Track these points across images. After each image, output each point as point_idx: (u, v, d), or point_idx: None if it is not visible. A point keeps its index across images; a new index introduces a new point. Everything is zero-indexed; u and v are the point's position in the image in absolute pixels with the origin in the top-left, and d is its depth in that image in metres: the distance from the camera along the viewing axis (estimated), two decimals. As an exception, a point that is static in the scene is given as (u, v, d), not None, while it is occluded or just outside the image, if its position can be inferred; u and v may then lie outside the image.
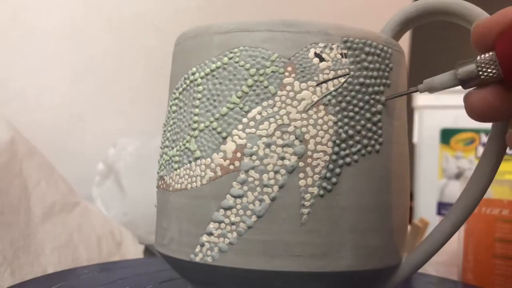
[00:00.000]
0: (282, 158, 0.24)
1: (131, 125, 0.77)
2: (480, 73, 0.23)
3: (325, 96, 0.25)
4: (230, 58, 0.26)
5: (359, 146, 0.25)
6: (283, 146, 0.24)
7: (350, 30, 0.26)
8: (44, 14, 0.70)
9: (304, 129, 0.25)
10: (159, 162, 0.29)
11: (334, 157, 0.25)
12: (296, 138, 0.24)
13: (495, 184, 0.44)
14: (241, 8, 0.88)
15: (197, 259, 0.25)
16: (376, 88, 0.26)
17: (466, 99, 0.24)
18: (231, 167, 0.25)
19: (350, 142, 0.25)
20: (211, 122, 0.26)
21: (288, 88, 0.25)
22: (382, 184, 0.26)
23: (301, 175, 0.24)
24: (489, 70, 0.23)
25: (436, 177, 0.76)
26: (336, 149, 0.25)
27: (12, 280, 0.39)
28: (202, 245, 0.25)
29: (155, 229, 0.29)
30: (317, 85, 0.25)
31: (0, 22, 0.67)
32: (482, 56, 0.23)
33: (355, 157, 0.25)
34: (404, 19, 0.29)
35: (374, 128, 0.26)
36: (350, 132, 0.25)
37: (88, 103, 0.74)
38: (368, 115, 0.26)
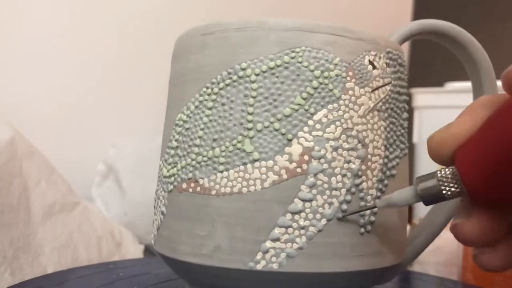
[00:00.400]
0: (348, 162, 0.25)
1: (131, 125, 0.77)
2: (443, 189, 0.21)
3: (378, 102, 0.26)
4: (292, 58, 0.25)
5: (399, 151, 0.27)
6: (348, 149, 0.25)
7: (390, 42, 0.28)
8: (44, 14, 0.70)
9: (364, 134, 0.26)
10: (175, 164, 0.27)
11: (385, 160, 0.26)
12: (359, 142, 0.25)
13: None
14: (242, 8, 0.88)
15: (259, 267, 0.24)
16: (404, 97, 0.28)
17: (456, 230, 0.22)
18: (299, 170, 0.24)
19: (394, 147, 0.27)
20: (272, 122, 0.25)
21: (350, 92, 0.25)
22: (406, 185, 0.28)
23: (363, 178, 0.25)
24: (451, 185, 0.21)
25: (436, 177, 0.75)
26: (387, 153, 0.26)
27: (12, 280, 0.39)
28: (266, 251, 0.24)
29: (172, 237, 0.26)
30: (372, 91, 0.26)
31: (1, 22, 0.67)
32: (442, 171, 0.22)
33: (397, 160, 0.27)
34: (408, 34, 0.30)
35: (404, 133, 0.28)
36: (394, 137, 0.27)
37: (88, 103, 0.74)
38: (401, 121, 0.28)
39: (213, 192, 0.25)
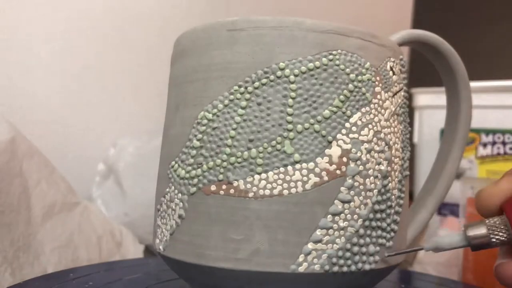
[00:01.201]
0: (379, 163, 0.26)
1: (131, 125, 0.77)
2: (492, 237, 0.24)
3: (396, 107, 0.28)
4: (330, 60, 0.25)
5: (408, 152, 0.29)
6: (379, 152, 0.26)
7: (401, 49, 0.29)
8: (44, 14, 0.70)
9: (389, 136, 0.27)
10: (200, 164, 0.25)
11: (402, 161, 0.28)
12: (386, 145, 0.26)
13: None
14: (245, 7, 0.88)
15: (301, 269, 0.24)
16: (407, 102, 0.29)
17: (499, 269, 0.25)
18: (338, 172, 0.24)
19: (405, 149, 0.28)
20: (312, 124, 0.24)
21: (379, 96, 0.26)
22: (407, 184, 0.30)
23: (389, 179, 0.26)
24: (500, 234, 0.24)
25: (436, 177, 0.76)
26: (403, 154, 0.28)
27: (12, 280, 0.39)
28: (308, 253, 0.24)
29: (197, 242, 0.25)
30: (393, 96, 0.27)
31: (1, 22, 0.67)
32: (491, 220, 0.24)
33: (408, 162, 0.28)
34: (401, 42, 0.31)
35: (408, 136, 0.29)
36: (406, 139, 0.28)
37: (88, 103, 0.74)
38: (407, 125, 0.29)
39: (251, 195, 0.24)
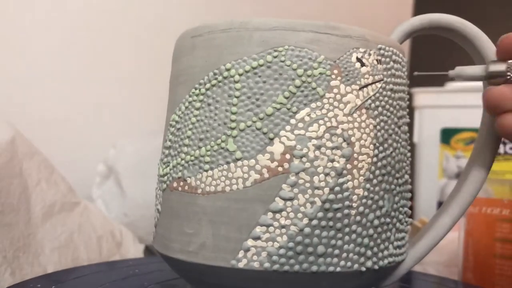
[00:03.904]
0: (332, 161, 0.25)
1: (131, 126, 0.77)
2: (508, 73, 0.27)
3: (366, 100, 0.26)
4: (275, 57, 0.25)
5: (391, 149, 0.27)
6: (332, 148, 0.25)
7: (383, 38, 0.27)
8: (45, 14, 0.70)
9: (350, 132, 0.25)
10: (168, 163, 0.27)
11: (374, 159, 0.26)
12: (344, 141, 0.25)
13: (495, 184, 0.44)
14: (244, 7, 0.88)
15: (241, 265, 0.24)
16: (399, 95, 0.28)
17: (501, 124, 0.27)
18: (280, 169, 0.24)
19: (385, 145, 0.26)
20: (254, 122, 0.25)
21: (335, 90, 0.25)
22: (405, 185, 0.28)
23: (349, 177, 0.25)
24: None
25: (437, 177, 0.76)
26: (376, 151, 0.26)
27: (12, 280, 0.39)
28: (247, 250, 0.24)
29: (166, 235, 0.27)
30: (360, 89, 0.26)
31: (1, 22, 0.67)
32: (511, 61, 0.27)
33: (389, 159, 0.26)
34: (410, 31, 0.30)
35: (399, 131, 0.27)
36: (385, 135, 0.26)
37: (88, 103, 0.74)
38: (395, 119, 0.27)
39: (199, 191, 0.25)
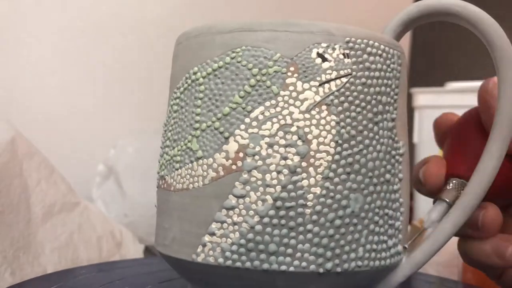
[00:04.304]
0: (285, 158, 0.24)
1: (131, 126, 0.77)
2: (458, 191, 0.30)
3: (328, 96, 0.25)
4: (232, 58, 0.25)
5: (361, 146, 0.25)
6: (285, 146, 0.24)
7: (352, 30, 0.26)
8: (45, 14, 0.70)
9: (306, 129, 0.24)
10: (159, 162, 0.29)
11: (336, 157, 0.25)
12: (299, 138, 0.24)
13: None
14: (242, 8, 0.88)
15: (199, 259, 0.25)
16: (377, 89, 0.26)
17: (484, 218, 0.29)
18: (234, 167, 0.25)
19: (352, 142, 0.25)
20: (213, 122, 0.25)
21: (291, 88, 0.25)
22: (385, 185, 0.26)
23: (304, 175, 0.24)
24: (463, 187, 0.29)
25: (436, 177, 0.76)
26: (339, 149, 0.25)
27: (12, 280, 0.39)
28: (204, 245, 0.25)
29: (156, 230, 0.29)
30: (320, 85, 0.25)
31: (2, 22, 0.67)
32: (449, 185, 0.30)
33: (357, 157, 0.25)
34: (407, 19, 0.29)
35: (375, 128, 0.26)
36: (352, 132, 0.25)
37: (88, 103, 0.74)
38: (370, 115, 0.26)
39: (172, 188, 0.27)
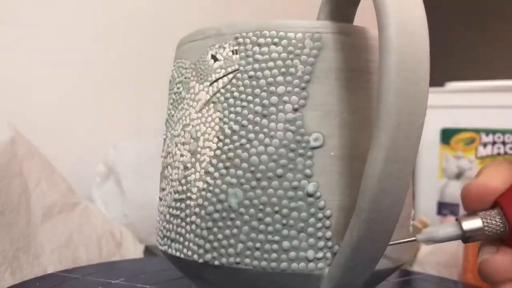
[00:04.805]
0: (182, 155, 0.27)
1: (131, 126, 0.77)
2: (487, 229, 0.24)
3: (215, 94, 0.26)
4: (172, 71, 0.30)
5: (243, 141, 0.24)
6: (183, 144, 0.27)
7: (243, 25, 0.25)
8: (45, 14, 0.70)
9: (197, 128, 0.26)
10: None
11: (217, 152, 0.25)
12: (191, 137, 0.27)
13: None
14: (242, 9, 0.88)
15: (157, 245, 0.30)
16: (270, 80, 0.24)
17: (484, 264, 0.24)
18: (164, 164, 0.29)
19: (234, 137, 0.25)
20: (165, 126, 0.30)
21: (192, 91, 0.27)
22: (274, 180, 0.24)
23: (192, 170, 0.26)
24: (496, 227, 0.23)
25: (436, 177, 0.76)
26: (220, 144, 0.25)
27: (12, 280, 0.39)
28: (157, 232, 0.30)
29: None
30: (210, 84, 0.26)
31: (2, 22, 0.67)
32: (486, 212, 0.24)
33: (238, 151, 0.24)
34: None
35: (264, 121, 0.24)
36: (235, 127, 0.25)
37: (88, 104, 0.74)
38: (257, 108, 0.24)
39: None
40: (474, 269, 0.43)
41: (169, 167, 0.28)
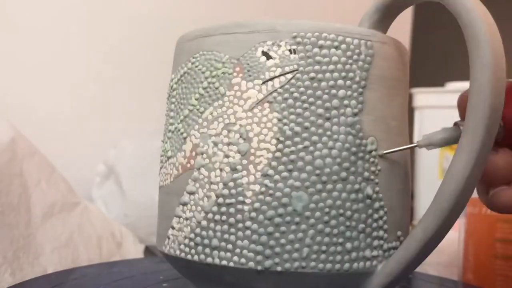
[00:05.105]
0: (227, 156, 0.25)
1: (131, 126, 0.77)
2: None
3: (271, 93, 0.25)
4: (192, 63, 0.27)
5: (306, 143, 0.24)
6: (228, 144, 0.25)
7: (300, 25, 0.25)
8: (45, 14, 0.70)
9: (248, 127, 0.25)
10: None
11: (277, 154, 0.24)
12: (240, 137, 0.25)
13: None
14: (242, 9, 0.88)
15: (166, 250, 0.27)
16: (331, 83, 0.25)
17: (495, 199, 0.25)
18: (188, 165, 0.26)
19: (296, 139, 0.24)
20: (178, 124, 0.27)
21: (236, 88, 0.25)
22: (338, 183, 0.25)
23: (244, 172, 0.24)
24: None
25: (436, 177, 0.76)
26: (280, 146, 0.24)
27: (12, 280, 0.39)
28: (169, 237, 0.27)
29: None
30: (263, 83, 0.25)
31: (1, 21, 0.67)
32: None
33: (301, 154, 0.24)
34: (381, 6, 0.29)
35: (327, 124, 0.25)
36: (297, 129, 0.24)
37: (88, 103, 0.74)
38: (320, 110, 0.25)
39: (158, 186, 0.29)
40: (474, 269, 0.43)
41: (202, 168, 0.25)
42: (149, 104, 0.76)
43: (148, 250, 0.60)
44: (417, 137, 0.80)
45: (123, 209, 0.63)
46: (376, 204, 0.25)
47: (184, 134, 0.26)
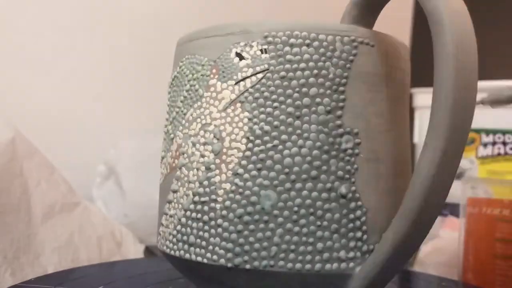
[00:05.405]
0: (203, 156, 0.26)
1: (131, 126, 0.77)
2: None
3: (242, 93, 0.25)
4: (180, 67, 0.28)
5: (275, 142, 0.24)
6: (204, 144, 0.26)
7: (273, 24, 0.25)
8: (46, 14, 0.70)
9: (222, 127, 0.25)
10: None
11: (247, 153, 0.24)
12: (214, 136, 0.25)
13: (495, 184, 0.44)
14: (243, 9, 0.88)
15: (159, 245, 0.29)
16: (302, 81, 0.24)
17: None
18: (174, 165, 0.27)
19: (266, 138, 0.24)
20: (168, 125, 0.29)
21: (212, 89, 0.26)
22: (308, 182, 0.24)
23: (217, 171, 0.25)
24: None
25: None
26: (250, 145, 0.24)
27: (13, 280, 0.39)
28: (159, 234, 0.28)
29: None
30: (236, 83, 0.25)
31: (1, 21, 0.67)
32: None
33: (271, 153, 0.24)
34: (358, 0, 0.29)
35: (297, 122, 0.24)
36: (266, 127, 0.24)
37: (89, 104, 0.74)
38: (290, 109, 0.24)
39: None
40: (474, 269, 0.43)
41: (183, 168, 0.26)
42: (149, 104, 0.76)
43: (148, 250, 0.60)
44: (417, 137, 0.80)
45: (123, 209, 0.63)
46: (353, 204, 0.25)
47: (172, 135, 0.28)
